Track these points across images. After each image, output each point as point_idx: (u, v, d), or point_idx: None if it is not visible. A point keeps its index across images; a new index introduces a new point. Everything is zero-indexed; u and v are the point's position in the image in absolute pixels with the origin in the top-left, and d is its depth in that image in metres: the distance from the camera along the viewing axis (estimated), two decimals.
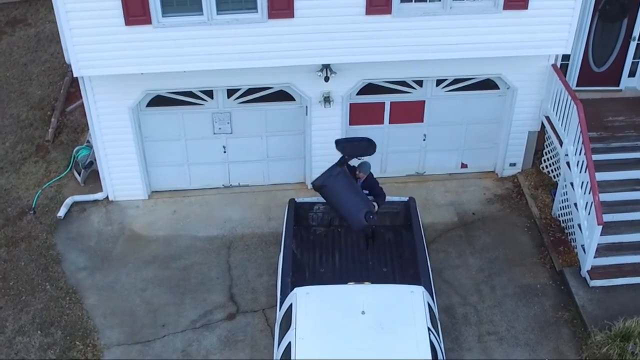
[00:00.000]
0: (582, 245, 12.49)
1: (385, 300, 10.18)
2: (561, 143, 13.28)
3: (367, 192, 12.01)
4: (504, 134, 14.38)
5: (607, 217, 12.19)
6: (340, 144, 12.04)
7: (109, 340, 11.86)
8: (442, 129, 14.34)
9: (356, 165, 12.19)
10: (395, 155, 14.50)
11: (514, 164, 14.76)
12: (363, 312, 9.93)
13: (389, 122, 14.13)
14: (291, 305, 10.20)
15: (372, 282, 10.98)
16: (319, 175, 11.77)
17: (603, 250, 12.44)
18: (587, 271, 12.39)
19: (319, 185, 11.65)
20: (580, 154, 12.52)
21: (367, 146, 12.10)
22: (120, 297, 12.53)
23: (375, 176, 12.39)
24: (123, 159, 13.87)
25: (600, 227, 11.86)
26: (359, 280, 11.09)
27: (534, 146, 14.60)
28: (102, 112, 13.27)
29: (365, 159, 12.23)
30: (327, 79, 12.94)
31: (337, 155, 11.94)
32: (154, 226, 13.86)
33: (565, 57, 13.86)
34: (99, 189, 14.38)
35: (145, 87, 13.11)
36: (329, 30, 12.11)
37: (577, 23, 12.57)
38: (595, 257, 12.31)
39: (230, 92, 13.49)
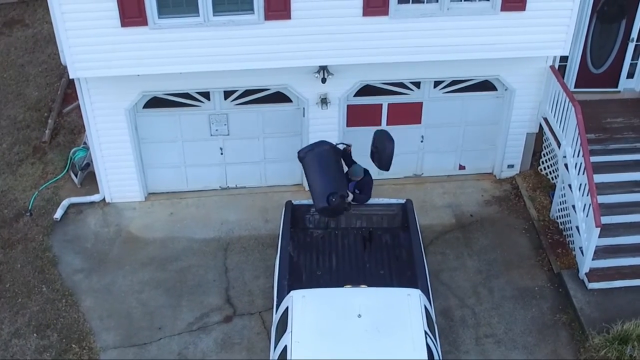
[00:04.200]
0: (580, 248, 12.46)
1: (382, 303, 10.15)
2: (559, 145, 13.24)
3: (358, 191, 11.96)
4: (502, 136, 14.34)
5: (605, 220, 12.15)
6: (383, 138, 11.93)
7: (105, 342, 11.83)
8: (439, 130, 14.31)
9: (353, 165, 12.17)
10: (393, 157, 14.42)
11: (512, 166, 14.73)
12: (359, 315, 9.90)
13: (387, 124, 14.08)
14: (287, 308, 10.16)
15: (369, 285, 10.93)
16: (308, 144, 11.76)
17: (601, 252, 12.41)
18: (585, 273, 12.36)
19: (300, 157, 11.68)
20: (578, 155, 12.49)
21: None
22: (117, 299, 12.49)
23: (373, 177, 12.33)
24: (120, 160, 13.83)
25: (599, 229, 11.82)
26: (356, 283, 11.05)
27: (532, 148, 14.57)
28: (98, 113, 13.24)
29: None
30: (324, 80, 12.90)
31: None
32: (151, 228, 13.83)
33: (563, 59, 13.82)
34: (96, 190, 14.34)
35: (142, 89, 13.08)
36: (326, 31, 12.09)
37: (575, 24, 12.55)
38: (593, 259, 12.28)
39: (227, 94, 13.46)
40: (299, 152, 11.81)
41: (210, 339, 11.82)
